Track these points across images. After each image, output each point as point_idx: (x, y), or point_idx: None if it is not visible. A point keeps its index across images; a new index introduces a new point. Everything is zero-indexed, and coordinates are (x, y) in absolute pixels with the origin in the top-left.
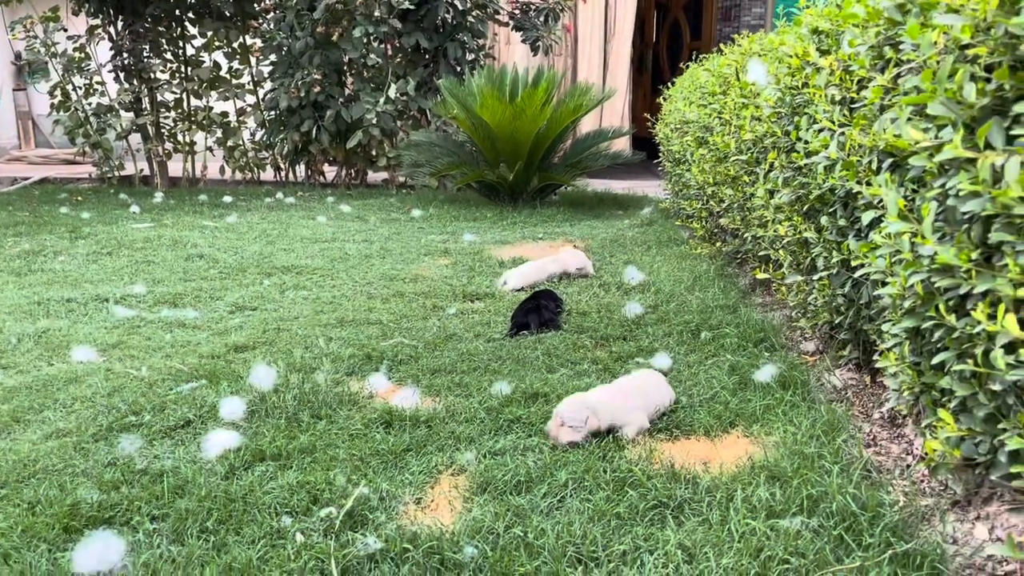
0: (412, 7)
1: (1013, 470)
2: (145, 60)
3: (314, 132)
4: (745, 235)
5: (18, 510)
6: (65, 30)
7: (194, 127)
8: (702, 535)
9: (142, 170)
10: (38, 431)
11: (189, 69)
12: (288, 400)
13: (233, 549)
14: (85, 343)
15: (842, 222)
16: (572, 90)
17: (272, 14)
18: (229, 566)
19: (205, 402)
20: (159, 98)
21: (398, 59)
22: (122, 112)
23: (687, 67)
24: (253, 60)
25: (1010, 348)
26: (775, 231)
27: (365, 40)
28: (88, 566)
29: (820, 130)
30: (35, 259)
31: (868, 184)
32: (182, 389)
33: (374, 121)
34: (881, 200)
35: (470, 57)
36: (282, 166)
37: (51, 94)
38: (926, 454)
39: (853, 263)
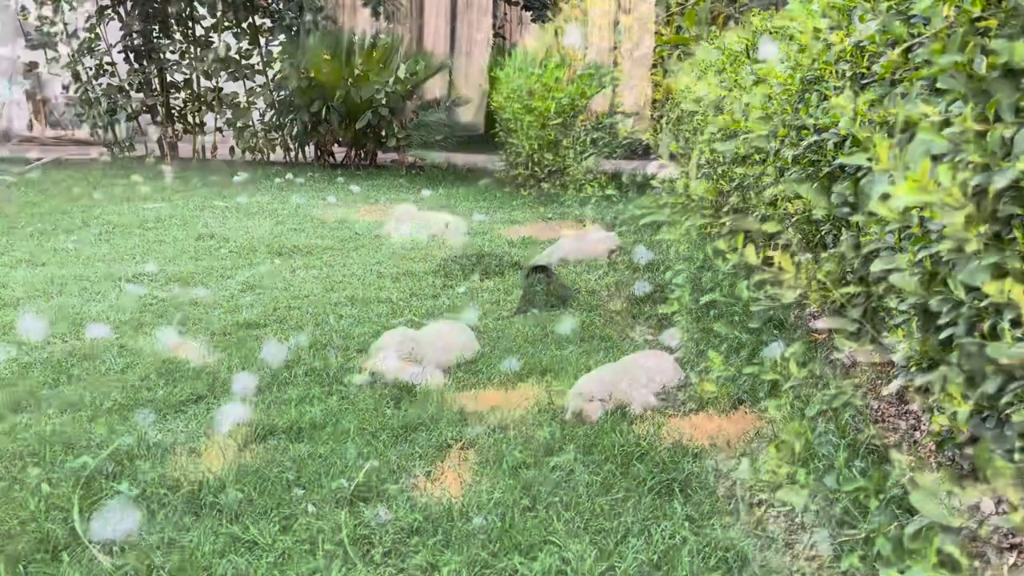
0: None
1: (1019, 444)
2: (155, 41)
3: (323, 113)
4: (755, 213)
5: (36, 480)
6: (75, 9)
7: (204, 108)
8: (708, 507)
9: (152, 150)
10: (54, 405)
11: (198, 50)
12: (299, 376)
13: (246, 519)
14: (98, 320)
15: (852, 199)
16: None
17: None
18: (242, 535)
19: (217, 377)
20: (169, 79)
21: None
22: (132, 93)
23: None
24: (262, 40)
25: (1017, 322)
26: (784, 208)
27: None
28: (105, 534)
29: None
30: (48, 238)
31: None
32: (194, 365)
33: (383, 101)
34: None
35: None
36: (291, 147)
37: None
38: (933, 429)
39: (862, 240)
